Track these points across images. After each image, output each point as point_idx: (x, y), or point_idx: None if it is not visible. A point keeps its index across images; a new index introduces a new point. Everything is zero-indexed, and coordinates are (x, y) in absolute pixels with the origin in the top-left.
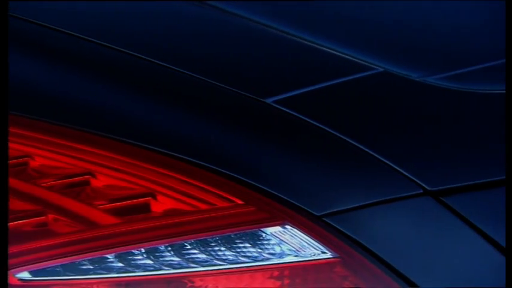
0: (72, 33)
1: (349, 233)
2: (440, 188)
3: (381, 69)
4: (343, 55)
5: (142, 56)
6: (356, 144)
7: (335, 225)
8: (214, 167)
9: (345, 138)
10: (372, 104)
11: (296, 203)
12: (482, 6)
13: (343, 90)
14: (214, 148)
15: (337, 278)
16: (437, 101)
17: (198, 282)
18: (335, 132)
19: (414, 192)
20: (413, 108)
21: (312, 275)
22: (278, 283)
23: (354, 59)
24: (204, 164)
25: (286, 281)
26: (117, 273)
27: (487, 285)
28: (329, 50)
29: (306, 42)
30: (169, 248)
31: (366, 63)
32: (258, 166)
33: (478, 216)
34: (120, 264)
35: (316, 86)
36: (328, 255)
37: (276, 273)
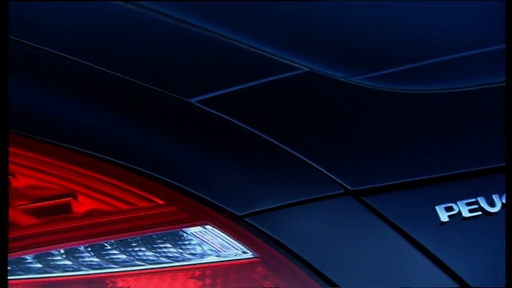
0: None
1: (270, 233)
2: (362, 187)
3: (307, 69)
4: (269, 55)
5: (66, 55)
6: (279, 144)
7: (256, 225)
8: (136, 167)
9: (267, 138)
10: (296, 103)
11: (217, 203)
12: (409, 7)
13: (268, 90)
14: (136, 148)
15: (258, 278)
16: (361, 101)
17: (120, 283)
18: (258, 132)
19: (336, 192)
20: (337, 108)
21: (233, 275)
22: (199, 283)
23: (279, 59)
24: (126, 163)
25: (208, 281)
26: (36, 274)
27: (408, 285)
28: (254, 50)
29: (231, 41)
30: (89, 249)
31: (292, 63)
32: (180, 166)
33: (399, 216)
34: (39, 265)
35: (241, 86)
36: (249, 255)
37: (197, 273)
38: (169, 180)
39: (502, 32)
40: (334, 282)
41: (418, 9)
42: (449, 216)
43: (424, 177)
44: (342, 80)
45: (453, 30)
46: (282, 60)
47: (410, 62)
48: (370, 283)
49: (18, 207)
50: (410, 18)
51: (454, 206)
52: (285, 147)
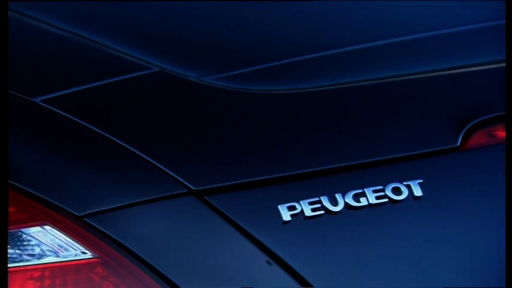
0: None
1: (110, 233)
2: (205, 187)
3: (157, 69)
4: (118, 53)
5: None
6: (122, 143)
7: (96, 225)
8: None
9: (111, 137)
10: (143, 103)
11: (57, 203)
12: (263, 8)
13: (116, 90)
14: None
15: (97, 279)
16: (210, 101)
17: None
18: (101, 132)
19: (178, 192)
20: (184, 108)
21: (71, 276)
22: (38, 284)
23: (129, 58)
24: None
25: (47, 282)
26: None
27: (251, 285)
28: (103, 48)
29: (79, 38)
30: None
31: (141, 63)
32: (19, 166)
33: (242, 215)
34: None
35: (88, 85)
36: (89, 255)
37: (36, 274)
38: (8, 181)
39: (357, 33)
40: (175, 283)
41: (271, 10)
42: (292, 216)
43: (267, 177)
44: (193, 79)
45: (305, 31)
46: (131, 59)
47: (262, 63)
48: (212, 283)
49: None
50: (263, 19)
51: (297, 205)
52: (129, 147)
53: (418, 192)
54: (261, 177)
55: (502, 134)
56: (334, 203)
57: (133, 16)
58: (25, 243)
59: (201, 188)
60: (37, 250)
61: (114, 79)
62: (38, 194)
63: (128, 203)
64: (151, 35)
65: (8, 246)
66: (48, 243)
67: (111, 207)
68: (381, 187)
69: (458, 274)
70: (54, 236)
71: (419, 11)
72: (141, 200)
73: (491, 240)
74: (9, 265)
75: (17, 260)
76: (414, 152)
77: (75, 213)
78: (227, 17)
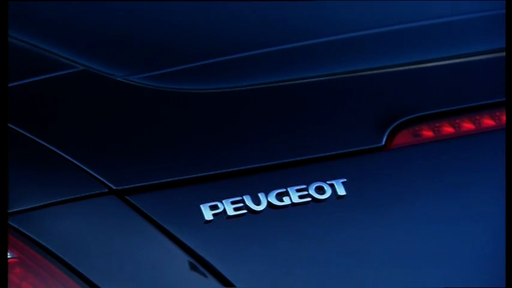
0: None
1: (29, 234)
2: (126, 186)
3: (81, 68)
4: (41, 51)
5: None
6: (41, 142)
7: (15, 225)
8: None
9: (30, 136)
10: (67, 102)
11: None
12: (187, 7)
13: (38, 88)
14: None
15: (16, 279)
16: (135, 100)
17: None
18: (20, 130)
19: (99, 191)
20: (107, 107)
21: None
22: None
23: (52, 56)
24: None
25: None
26: None
27: (173, 286)
28: (26, 46)
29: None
30: None
31: (65, 61)
32: None
33: (163, 215)
34: None
35: (10, 84)
36: (7, 256)
37: None
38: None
39: (285, 32)
40: (95, 284)
41: (199, 9)
42: (214, 215)
43: (189, 176)
44: (118, 79)
45: (234, 30)
46: (54, 57)
47: (188, 62)
48: (133, 283)
49: None
50: (191, 18)
51: (219, 204)
52: (49, 146)
53: (341, 191)
54: (183, 177)
55: (427, 133)
56: (257, 202)
57: (58, 13)
58: None
59: (122, 187)
60: None
61: (37, 78)
62: None
63: (47, 202)
64: (75, 33)
65: None
66: None
67: (31, 207)
68: (304, 186)
69: (382, 273)
70: None
71: (346, 11)
72: (61, 199)
73: (414, 239)
74: None
75: None
76: (338, 151)
77: None
78: (154, 16)
